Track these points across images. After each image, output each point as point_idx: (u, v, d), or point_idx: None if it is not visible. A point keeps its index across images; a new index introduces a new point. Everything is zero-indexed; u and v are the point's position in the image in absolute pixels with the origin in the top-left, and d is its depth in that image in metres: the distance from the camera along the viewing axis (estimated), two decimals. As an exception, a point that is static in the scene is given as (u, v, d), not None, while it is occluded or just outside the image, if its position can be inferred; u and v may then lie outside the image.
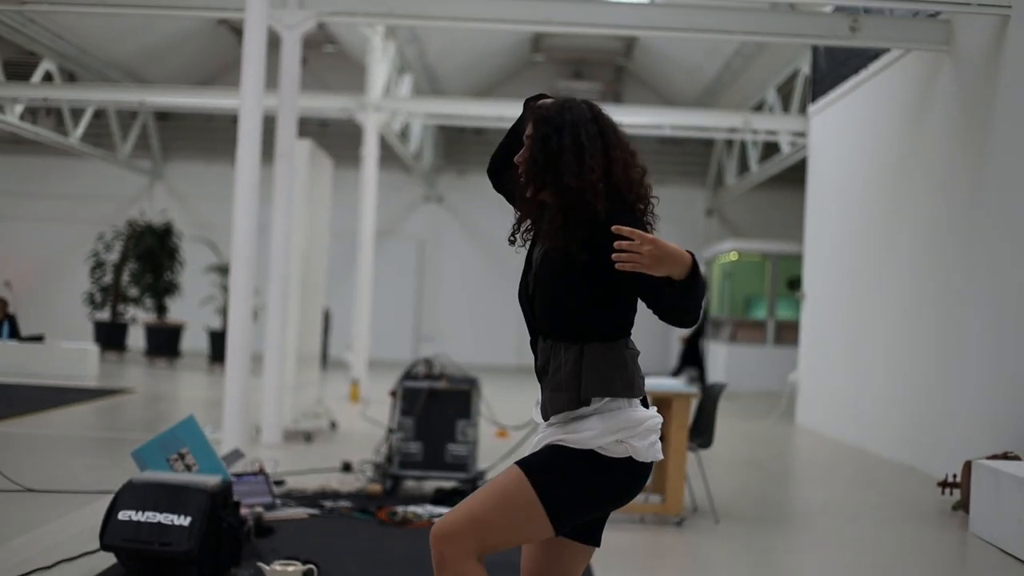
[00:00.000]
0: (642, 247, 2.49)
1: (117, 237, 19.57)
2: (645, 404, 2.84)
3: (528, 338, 2.95)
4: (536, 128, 2.75)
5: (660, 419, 2.85)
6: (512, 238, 2.92)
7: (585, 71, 22.05)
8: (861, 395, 11.52)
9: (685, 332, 17.01)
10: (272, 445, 9.32)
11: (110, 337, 18.87)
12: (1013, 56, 8.54)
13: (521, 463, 2.80)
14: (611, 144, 2.76)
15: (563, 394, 2.77)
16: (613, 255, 2.53)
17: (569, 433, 2.77)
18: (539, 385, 2.90)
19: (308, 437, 9.88)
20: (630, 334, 2.85)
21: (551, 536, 2.79)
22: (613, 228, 2.54)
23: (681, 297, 2.60)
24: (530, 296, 2.86)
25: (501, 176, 3.04)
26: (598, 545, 2.96)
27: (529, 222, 2.87)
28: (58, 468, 7.74)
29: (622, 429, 2.75)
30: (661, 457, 2.84)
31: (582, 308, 2.76)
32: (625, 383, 2.78)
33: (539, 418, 2.90)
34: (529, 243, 2.92)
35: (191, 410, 8.38)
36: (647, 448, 2.79)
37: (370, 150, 14.41)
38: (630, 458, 2.77)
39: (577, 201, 2.70)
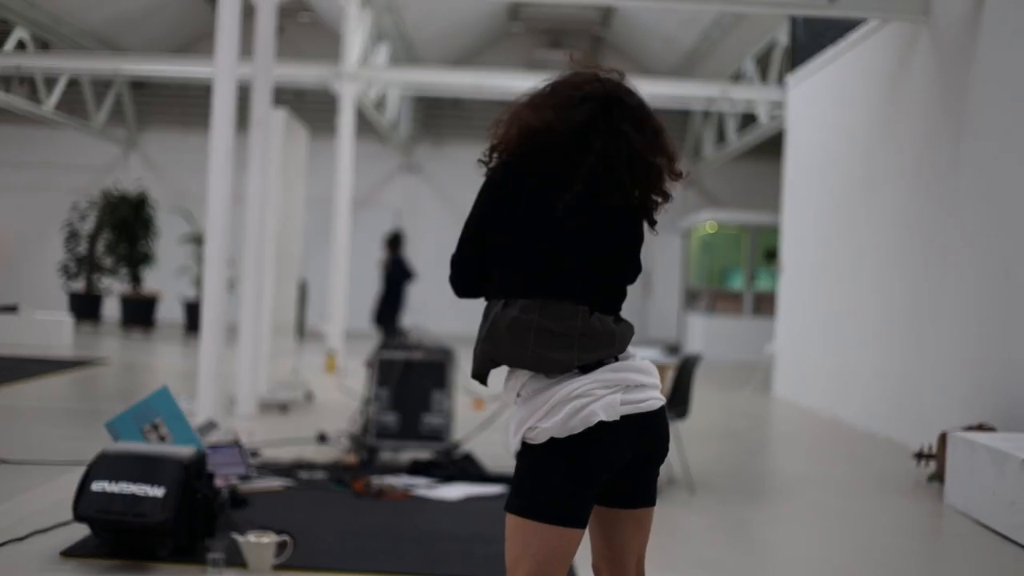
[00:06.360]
0: None
1: (91, 207, 19.41)
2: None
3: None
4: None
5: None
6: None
7: (562, 41, 21.97)
8: (837, 366, 11.56)
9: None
10: (247, 416, 9.29)
11: (85, 308, 18.75)
12: (990, 26, 8.52)
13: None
14: None
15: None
16: None
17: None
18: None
19: (283, 408, 9.85)
20: None
21: (580, 532, 2.57)
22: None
23: None
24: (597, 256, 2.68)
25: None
26: (651, 504, 2.72)
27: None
28: (32, 439, 7.69)
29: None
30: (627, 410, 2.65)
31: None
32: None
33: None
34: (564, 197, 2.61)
35: (165, 381, 8.34)
36: (607, 408, 2.62)
37: (346, 120, 14.31)
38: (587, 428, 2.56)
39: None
